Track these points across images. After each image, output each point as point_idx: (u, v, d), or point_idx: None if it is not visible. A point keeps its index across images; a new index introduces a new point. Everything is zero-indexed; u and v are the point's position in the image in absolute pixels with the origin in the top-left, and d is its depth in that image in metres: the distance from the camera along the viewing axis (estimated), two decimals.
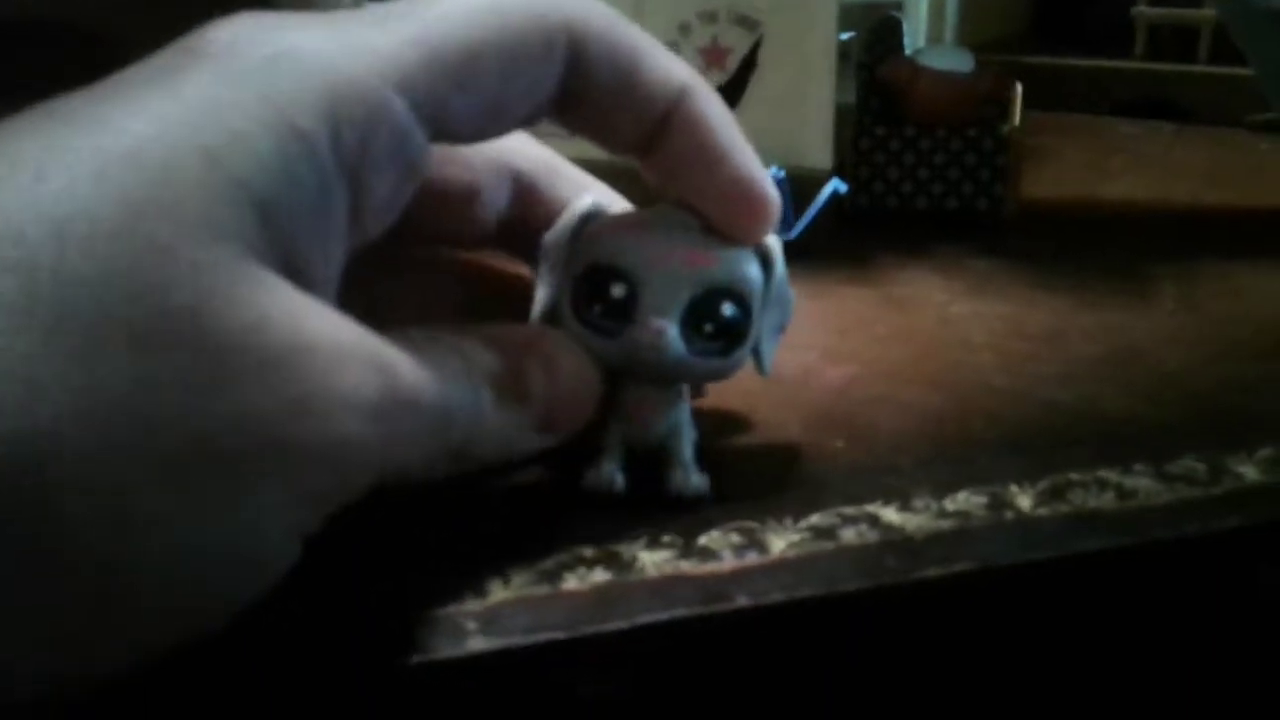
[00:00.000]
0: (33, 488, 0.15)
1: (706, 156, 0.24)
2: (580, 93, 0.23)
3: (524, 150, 0.28)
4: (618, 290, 0.24)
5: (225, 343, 0.17)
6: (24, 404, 0.15)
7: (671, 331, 0.24)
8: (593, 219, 0.26)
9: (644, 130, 0.24)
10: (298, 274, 0.19)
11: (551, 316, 0.26)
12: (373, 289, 0.23)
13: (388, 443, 0.20)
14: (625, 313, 0.24)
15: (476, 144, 0.24)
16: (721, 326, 0.25)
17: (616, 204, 0.28)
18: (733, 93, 0.47)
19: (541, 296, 0.26)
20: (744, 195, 0.25)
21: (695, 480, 0.26)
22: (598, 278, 0.25)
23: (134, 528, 0.16)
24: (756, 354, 0.26)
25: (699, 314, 0.24)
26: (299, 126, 0.19)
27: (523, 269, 0.29)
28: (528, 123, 0.24)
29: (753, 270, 0.25)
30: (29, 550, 0.15)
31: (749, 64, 0.47)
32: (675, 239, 0.25)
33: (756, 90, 0.47)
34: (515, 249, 0.29)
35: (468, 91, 0.21)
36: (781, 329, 0.27)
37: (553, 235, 0.26)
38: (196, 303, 0.17)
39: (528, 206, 0.28)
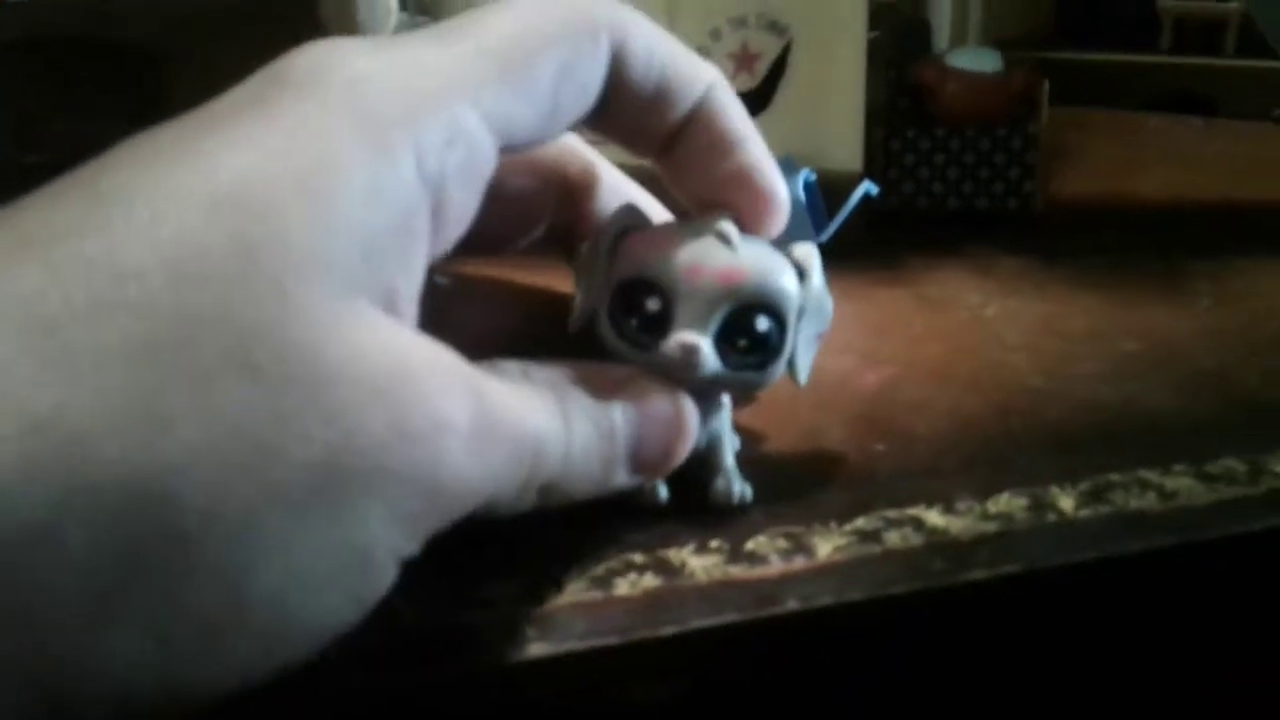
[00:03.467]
0: (160, 518, 0.16)
1: (723, 149, 0.25)
2: (618, 93, 0.24)
3: (573, 154, 0.28)
4: (653, 304, 0.25)
5: (333, 375, 0.18)
6: (151, 439, 0.16)
7: (706, 348, 0.24)
8: (629, 231, 0.26)
9: (670, 129, 0.25)
10: (390, 299, 0.20)
11: (588, 326, 0.26)
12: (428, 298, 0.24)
13: (482, 469, 0.20)
14: (660, 326, 0.25)
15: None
16: (756, 341, 0.25)
17: (656, 210, 0.28)
18: (763, 97, 0.47)
19: (579, 307, 0.26)
20: (757, 187, 0.25)
21: (738, 488, 0.26)
22: (633, 291, 0.25)
23: (253, 554, 0.17)
24: (792, 365, 0.26)
25: (733, 328, 0.25)
26: (387, 151, 0.19)
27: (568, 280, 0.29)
28: (575, 125, 0.24)
29: (788, 282, 0.25)
30: (155, 578, 0.16)
31: (778, 68, 0.47)
32: (710, 252, 0.25)
33: (786, 94, 0.47)
34: (563, 252, 0.29)
35: (529, 99, 0.22)
36: (819, 338, 0.27)
37: (589, 247, 0.26)
38: (306, 338, 0.17)
39: (576, 210, 0.28)
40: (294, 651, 0.18)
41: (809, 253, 0.26)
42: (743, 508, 0.26)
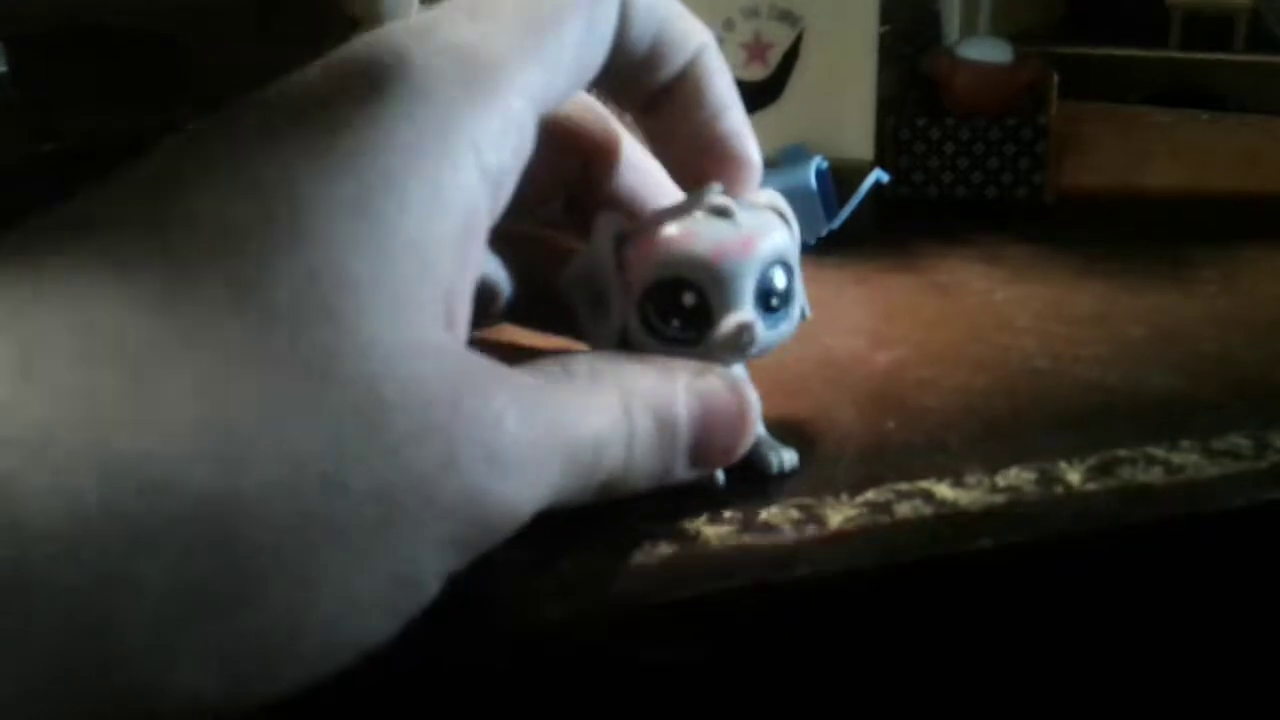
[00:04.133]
0: (230, 556, 0.16)
1: (706, 111, 0.25)
2: (620, 49, 0.24)
3: (594, 121, 0.28)
4: (689, 299, 0.25)
5: (391, 406, 0.18)
6: (225, 478, 0.16)
7: (757, 320, 0.25)
8: (627, 236, 0.26)
9: (659, 86, 0.25)
10: (448, 302, 0.20)
11: (622, 345, 0.26)
12: None
13: (537, 487, 0.20)
14: (703, 318, 0.25)
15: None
16: (782, 295, 0.26)
17: (669, 187, 0.28)
18: (775, 87, 0.48)
19: (605, 331, 0.26)
20: (735, 151, 0.26)
21: (788, 455, 0.27)
22: (664, 293, 0.25)
23: (313, 587, 0.17)
24: (800, 305, 0.27)
25: (764, 292, 0.25)
26: (449, 155, 0.20)
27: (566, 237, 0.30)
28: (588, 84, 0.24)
29: (783, 233, 0.26)
30: (221, 612, 0.16)
31: (791, 58, 0.47)
32: (721, 231, 0.25)
33: (798, 83, 0.47)
34: (579, 221, 0.29)
35: (560, 66, 0.22)
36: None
37: (587, 269, 0.26)
38: (366, 370, 0.18)
39: (596, 179, 0.28)
40: (337, 664, 0.19)
41: (774, 196, 0.27)
42: (760, 480, 0.27)
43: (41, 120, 0.53)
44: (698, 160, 0.26)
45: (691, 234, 0.25)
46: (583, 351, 0.24)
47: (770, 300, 0.25)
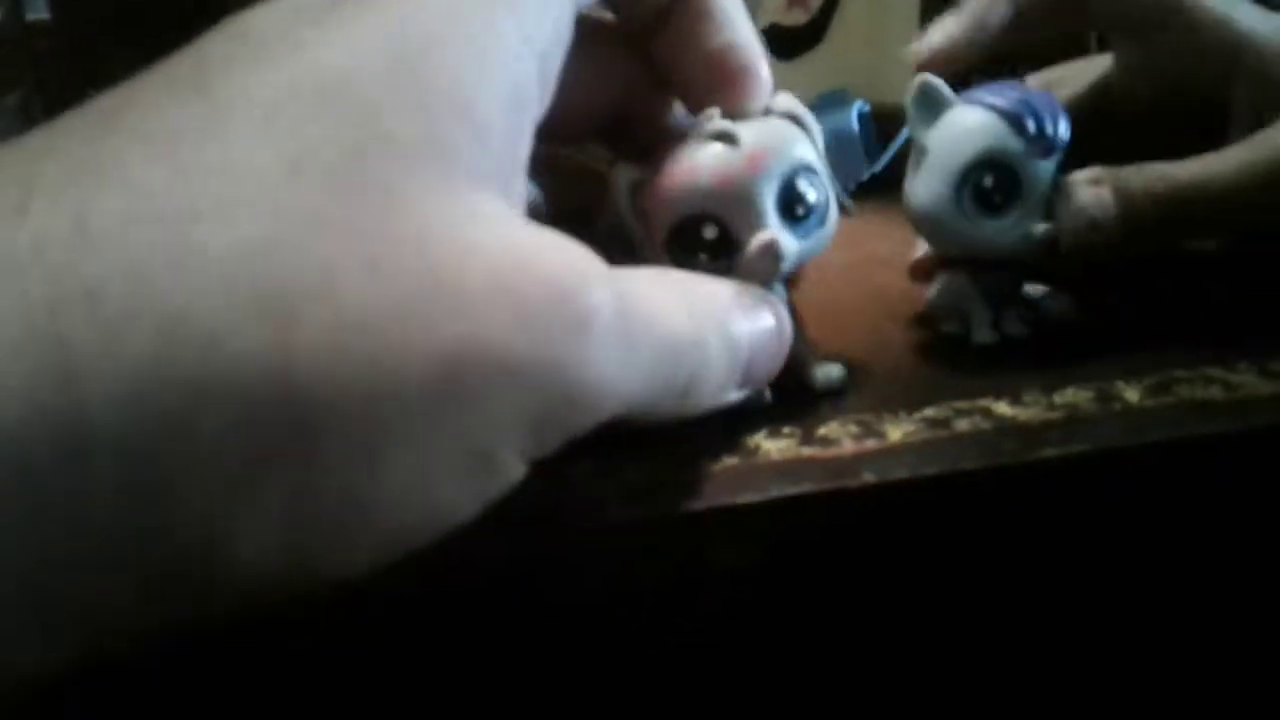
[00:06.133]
0: (288, 413, 0.16)
1: (711, 26, 0.25)
2: None
3: (634, 57, 0.27)
4: (710, 232, 0.25)
5: (455, 269, 0.17)
6: (276, 335, 0.16)
7: (782, 235, 0.25)
8: (639, 185, 0.26)
9: (663, 2, 0.25)
10: (505, 179, 0.19)
11: None
12: None
13: (624, 372, 0.19)
14: (728, 246, 0.25)
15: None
16: (809, 203, 0.26)
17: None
18: (817, 31, 0.48)
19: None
20: (742, 66, 0.26)
21: (835, 371, 0.27)
22: (685, 232, 0.25)
23: (378, 450, 0.17)
24: (841, 202, 0.27)
25: (787, 204, 0.25)
26: (492, 22, 0.20)
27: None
28: None
29: (800, 138, 0.26)
30: (282, 470, 0.16)
31: (832, 2, 0.47)
32: (727, 157, 0.25)
33: (840, 27, 0.47)
34: (619, 143, 0.29)
35: None
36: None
37: (612, 223, 0.26)
38: (422, 234, 0.17)
39: (637, 102, 0.28)
40: (413, 542, 0.18)
41: (788, 100, 0.27)
42: (817, 398, 0.27)
43: (84, 67, 0.53)
44: (706, 77, 0.26)
45: (695, 166, 0.25)
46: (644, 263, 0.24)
47: (796, 210, 0.25)
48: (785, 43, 0.47)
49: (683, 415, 0.23)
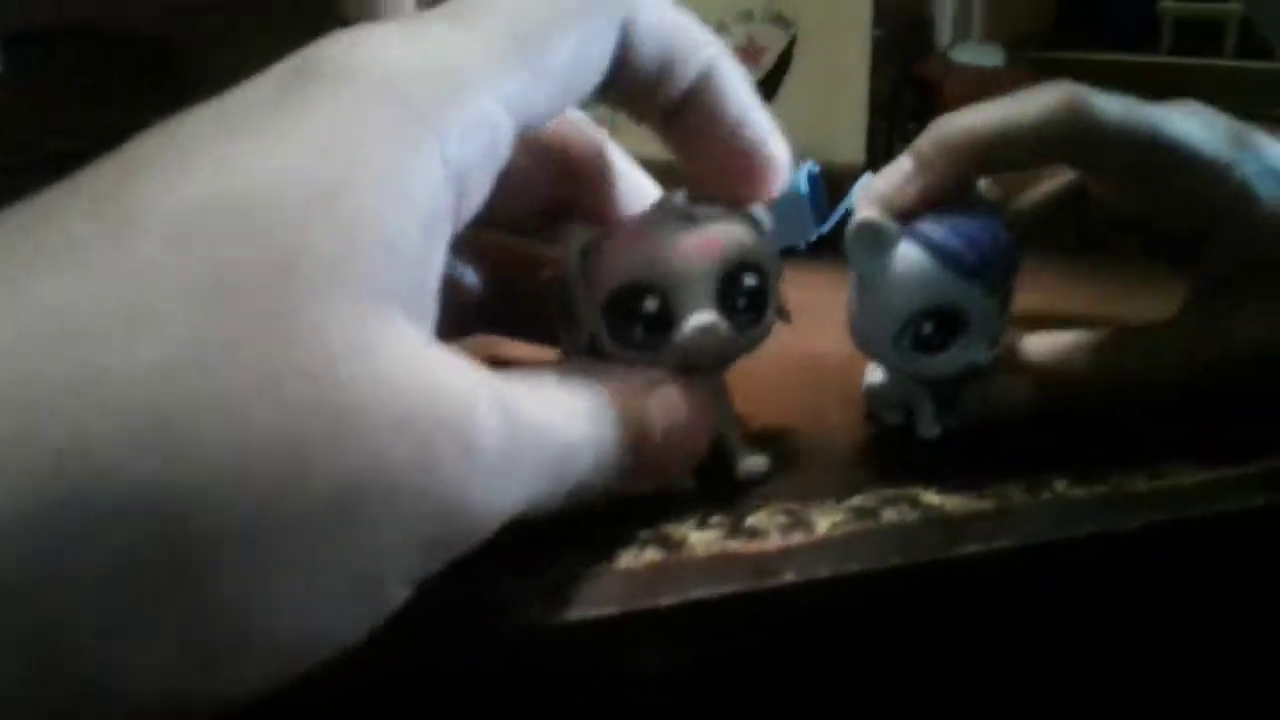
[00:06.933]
0: (178, 541, 0.16)
1: (725, 120, 0.25)
2: (624, 68, 0.24)
3: (576, 132, 0.28)
4: (650, 304, 0.25)
5: (360, 402, 0.17)
6: (173, 463, 0.16)
7: (720, 322, 0.25)
8: (590, 249, 0.26)
9: (674, 100, 0.25)
10: (416, 296, 0.19)
11: (592, 354, 0.26)
12: None
13: (509, 490, 0.20)
14: (665, 322, 0.25)
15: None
16: (751, 297, 0.25)
17: (651, 193, 0.28)
18: (768, 90, 0.48)
19: (575, 341, 0.26)
20: (760, 156, 0.26)
21: (758, 461, 0.27)
22: (625, 300, 0.25)
23: (266, 580, 0.17)
24: (779, 308, 0.27)
25: (728, 294, 0.25)
26: (417, 145, 0.19)
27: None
28: (584, 99, 0.24)
29: (752, 234, 0.26)
30: (171, 598, 0.16)
31: (784, 62, 0.47)
32: (680, 234, 0.25)
33: (791, 87, 0.47)
34: (554, 234, 0.28)
35: (546, 80, 0.22)
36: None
37: (557, 281, 0.26)
38: (332, 364, 0.17)
39: (579, 190, 0.28)
40: (299, 666, 0.18)
41: (754, 207, 0.27)
42: (745, 485, 0.27)
43: (40, 119, 0.53)
44: (724, 169, 0.26)
45: (650, 238, 0.25)
46: (555, 360, 0.24)
47: (738, 302, 0.25)
48: None
49: (585, 503, 0.23)
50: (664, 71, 0.24)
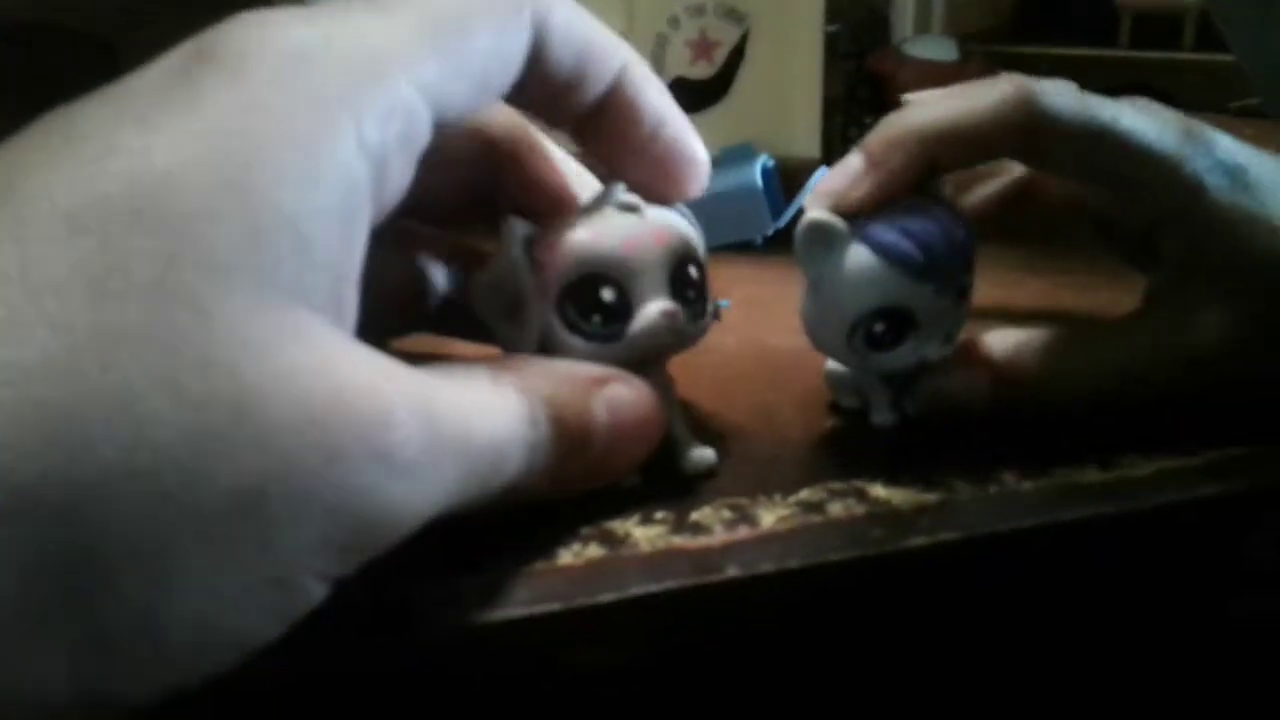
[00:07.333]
0: (79, 541, 0.15)
1: (641, 124, 0.25)
2: (538, 69, 0.23)
3: (496, 117, 0.27)
4: (608, 294, 0.25)
5: (263, 396, 0.17)
6: (70, 461, 0.15)
7: (679, 308, 0.25)
8: (534, 239, 0.25)
9: (588, 105, 0.25)
10: (330, 293, 0.19)
11: (542, 349, 0.25)
12: None
13: (426, 491, 0.19)
14: (623, 311, 0.25)
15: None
16: (697, 288, 0.26)
17: (588, 180, 0.28)
18: (721, 85, 0.48)
19: (523, 336, 0.26)
20: (682, 157, 0.26)
21: (705, 454, 0.27)
22: (582, 291, 0.25)
23: (172, 579, 0.16)
24: (714, 306, 0.27)
25: (679, 284, 0.25)
26: (328, 127, 0.19)
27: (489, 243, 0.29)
28: (499, 98, 0.24)
29: (692, 229, 0.26)
30: (75, 599, 0.16)
31: (737, 56, 0.47)
32: (629, 226, 0.25)
33: (745, 82, 0.47)
34: (484, 220, 0.28)
35: (462, 72, 0.21)
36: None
37: (499, 275, 0.26)
38: (231, 358, 0.17)
39: (501, 177, 0.27)
40: (212, 666, 0.17)
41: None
42: (692, 480, 0.26)
43: None
44: (646, 172, 0.26)
45: (604, 230, 0.25)
46: (490, 356, 0.23)
47: (687, 293, 0.25)
48: (690, 96, 0.47)
49: (525, 502, 0.22)
50: (579, 73, 0.24)
